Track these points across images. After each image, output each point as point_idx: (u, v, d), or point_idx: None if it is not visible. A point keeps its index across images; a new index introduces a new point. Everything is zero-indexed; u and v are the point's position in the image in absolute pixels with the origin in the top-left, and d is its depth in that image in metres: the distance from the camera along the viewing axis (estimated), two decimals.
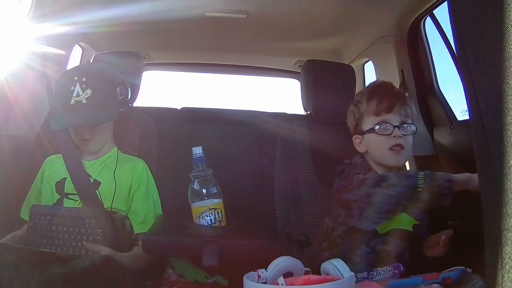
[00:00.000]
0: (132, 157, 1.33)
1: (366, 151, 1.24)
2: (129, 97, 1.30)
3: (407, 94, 1.46)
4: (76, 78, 1.15)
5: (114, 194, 1.20)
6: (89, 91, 1.15)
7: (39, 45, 1.38)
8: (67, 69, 1.30)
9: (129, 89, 1.31)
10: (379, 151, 1.20)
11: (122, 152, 1.32)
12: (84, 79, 1.15)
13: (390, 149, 1.17)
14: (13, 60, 1.28)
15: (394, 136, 1.17)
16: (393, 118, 1.18)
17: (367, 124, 1.21)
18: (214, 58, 2.28)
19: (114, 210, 1.20)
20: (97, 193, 1.19)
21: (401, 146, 1.17)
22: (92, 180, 1.21)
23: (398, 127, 1.17)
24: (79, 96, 1.14)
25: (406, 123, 1.18)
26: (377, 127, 1.19)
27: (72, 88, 1.14)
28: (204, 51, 2.16)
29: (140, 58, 1.65)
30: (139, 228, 1.21)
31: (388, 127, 1.17)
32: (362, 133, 1.22)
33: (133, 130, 1.43)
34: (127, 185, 1.24)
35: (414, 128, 1.19)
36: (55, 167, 1.25)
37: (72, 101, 1.14)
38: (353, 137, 1.26)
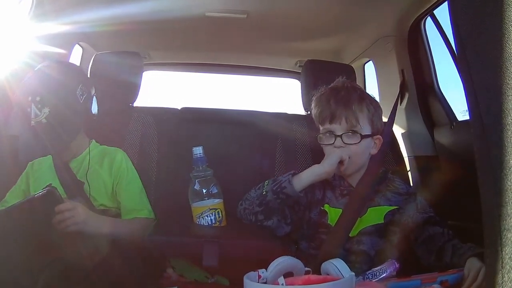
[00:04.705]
0: (109, 149, 1.28)
1: None
2: (93, 92, 1.23)
3: (374, 97, 1.24)
4: (30, 99, 1.10)
5: (91, 191, 1.17)
6: (46, 110, 1.10)
7: (39, 44, 1.38)
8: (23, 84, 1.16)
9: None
10: None
11: (97, 143, 1.28)
12: (38, 99, 1.10)
13: None
14: (13, 59, 1.28)
15: (335, 146, 1.13)
16: (336, 127, 1.13)
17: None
18: (214, 58, 2.28)
19: (106, 208, 1.19)
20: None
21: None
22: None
23: (340, 136, 1.12)
24: (37, 117, 1.10)
25: (350, 131, 1.12)
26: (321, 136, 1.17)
27: (29, 110, 1.10)
28: (204, 51, 2.16)
29: (140, 58, 1.65)
30: (128, 215, 1.19)
31: (331, 137, 1.13)
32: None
33: (133, 130, 1.42)
34: (109, 181, 1.21)
35: (358, 135, 1.11)
36: (40, 171, 1.22)
37: (33, 123, 1.10)
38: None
